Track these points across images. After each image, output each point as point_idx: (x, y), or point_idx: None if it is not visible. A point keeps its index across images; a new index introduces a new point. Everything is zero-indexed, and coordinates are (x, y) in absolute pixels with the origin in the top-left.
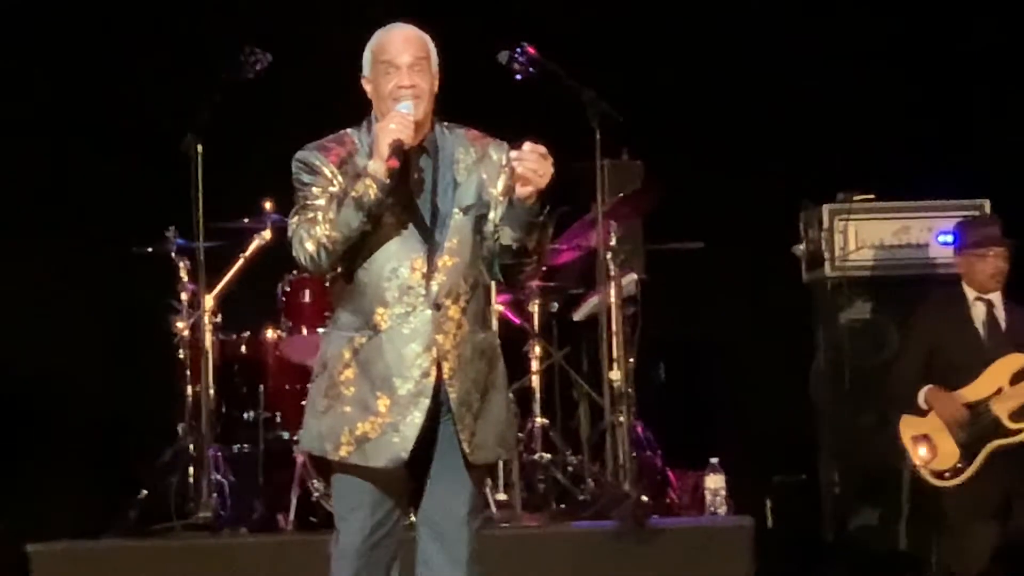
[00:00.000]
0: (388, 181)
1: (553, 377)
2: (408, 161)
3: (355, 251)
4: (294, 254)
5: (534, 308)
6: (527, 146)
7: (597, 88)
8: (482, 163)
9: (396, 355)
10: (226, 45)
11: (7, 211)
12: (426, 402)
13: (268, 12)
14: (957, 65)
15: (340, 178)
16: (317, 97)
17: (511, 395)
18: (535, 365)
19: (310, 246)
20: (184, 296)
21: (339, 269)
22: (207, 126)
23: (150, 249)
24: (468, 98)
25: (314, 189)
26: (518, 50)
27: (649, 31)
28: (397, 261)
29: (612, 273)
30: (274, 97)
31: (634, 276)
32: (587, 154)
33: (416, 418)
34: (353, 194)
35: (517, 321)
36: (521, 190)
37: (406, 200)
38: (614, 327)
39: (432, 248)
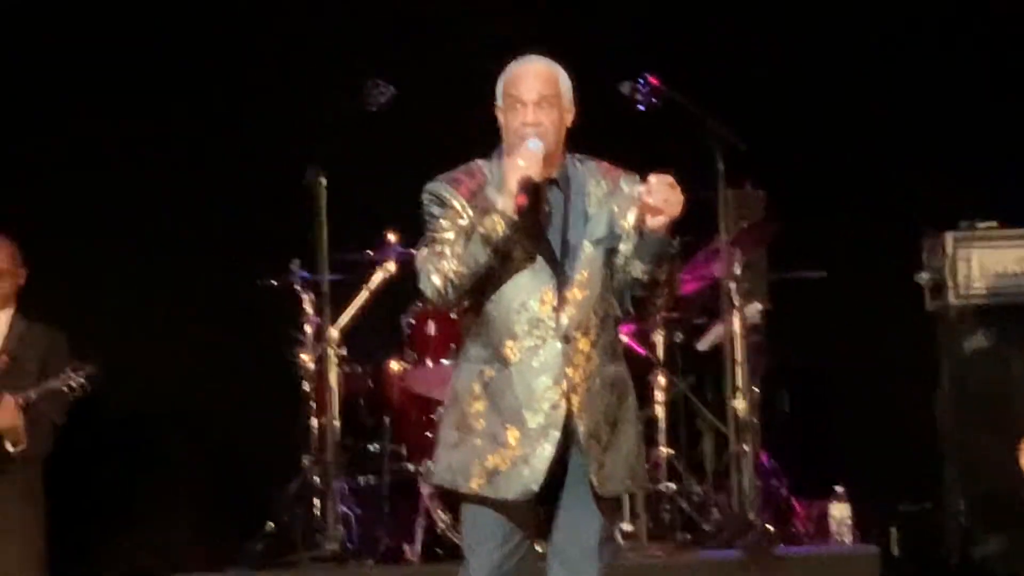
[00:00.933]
0: (516, 218)
1: (678, 407)
2: (538, 194)
3: (484, 284)
4: (420, 287)
5: (658, 338)
6: (655, 177)
7: (718, 117)
8: (613, 195)
9: (526, 388)
10: (350, 77)
11: (132, 245)
12: (556, 434)
13: (392, 44)
14: None
15: (470, 211)
16: (441, 129)
17: (640, 427)
18: (660, 395)
19: (437, 280)
20: (309, 328)
21: (467, 303)
22: (331, 158)
23: (274, 282)
24: (588, 128)
25: (443, 222)
26: (640, 80)
27: (769, 60)
28: (527, 294)
29: (736, 303)
30: (398, 129)
31: (758, 306)
32: (710, 184)
33: (546, 450)
34: (481, 230)
35: (642, 351)
36: (652, 221)
37: (536, 233)
38: (738, 356)
39: (562, 281)
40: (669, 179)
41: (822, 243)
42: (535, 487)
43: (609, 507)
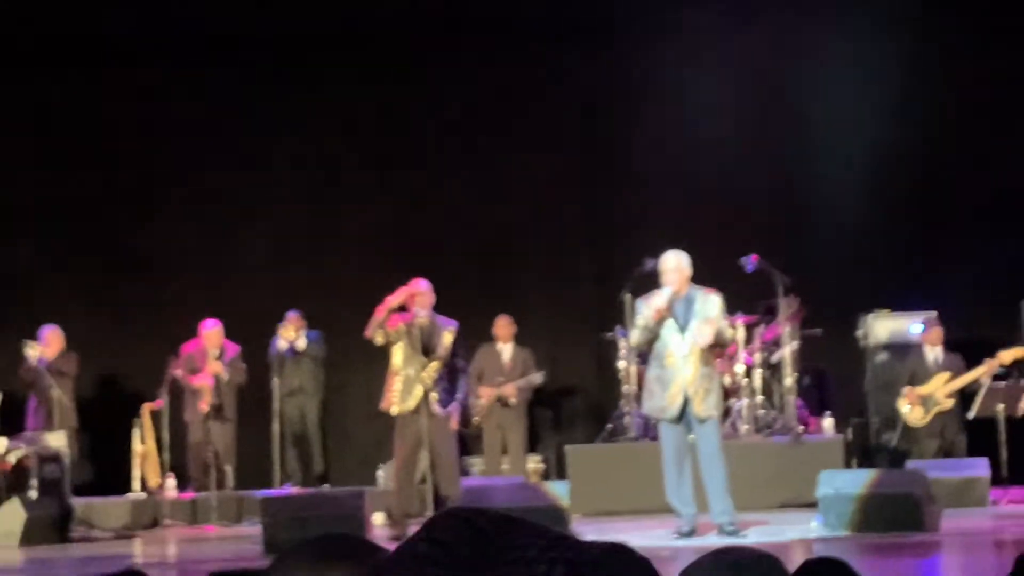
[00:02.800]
0: (657, 316)
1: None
2: (670, 306)
3: (655, 336)
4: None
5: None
6: (695, 325)
7: None
8: (705, 301)
9: (672, 376)
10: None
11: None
12: (683, 394)
13: None
14: None
15: (646, 311)
16: None
17: (721, 392)
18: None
19: (633, 338)
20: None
21: (651, 345)
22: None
23: (609, 334)
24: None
25: (637, 316)
26: (749, 259)
27: None
28: (670, 339)
29: None
30: None
31: None
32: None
33: (679, 399)
34: (643, 322)
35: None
36: (698, 338)
37: (675, 317)
38: None
39: (685, 333)
40: (700, 328)
41: None
42: (675, 412)
43: (707, 422)
